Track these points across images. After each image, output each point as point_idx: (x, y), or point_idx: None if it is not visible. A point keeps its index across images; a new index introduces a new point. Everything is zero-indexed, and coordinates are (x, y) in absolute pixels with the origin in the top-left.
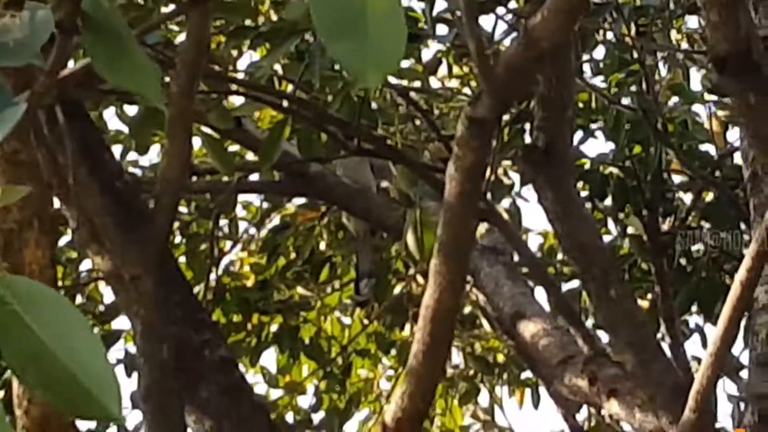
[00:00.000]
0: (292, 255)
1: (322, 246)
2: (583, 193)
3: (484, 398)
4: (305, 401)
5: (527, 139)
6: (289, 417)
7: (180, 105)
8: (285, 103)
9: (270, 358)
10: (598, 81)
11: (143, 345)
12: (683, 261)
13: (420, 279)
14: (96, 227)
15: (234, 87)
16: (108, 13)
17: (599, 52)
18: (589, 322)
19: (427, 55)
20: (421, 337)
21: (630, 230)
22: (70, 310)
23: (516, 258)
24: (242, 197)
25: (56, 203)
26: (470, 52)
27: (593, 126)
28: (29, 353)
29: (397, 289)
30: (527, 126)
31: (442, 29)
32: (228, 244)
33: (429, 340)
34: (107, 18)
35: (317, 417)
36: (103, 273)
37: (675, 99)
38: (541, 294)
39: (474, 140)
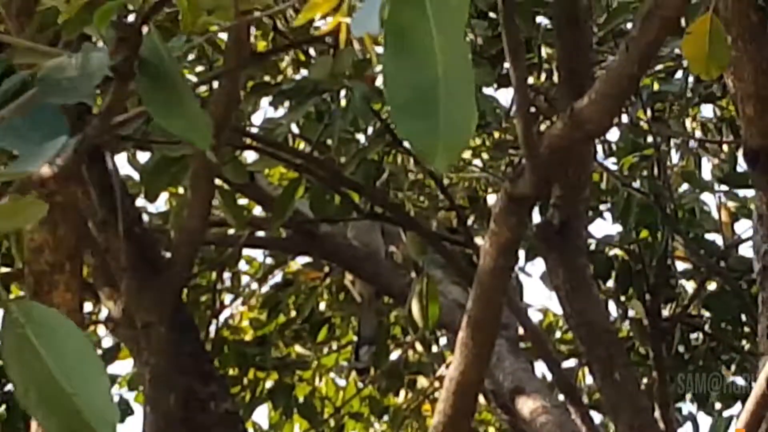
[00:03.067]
0: (293, 313)
1: (322, 306)
2: None
3: None
4: None
5: (536, 217)
6: None
7: (205, 158)
8: (299, 162)
9: (263, 414)
10: (611, 163)
11: (151, 393)
12: (681, 348)
13: (418, 346)
14: (111, 271)
15: (249, 141)
16: (165, 60)
17: (613, 134)
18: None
19: None
20: (443, 409)
21: (631, 313)
22: (81, 340)
23: (520, 332)
24: (246, 251)
25: None
26: (518, 130)
27: (602, 207)
28: (34, 377)
29: (394, 355)
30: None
31: None
32: (228, 297)
33: (451, 413)
34: (164, 65)
35: None
36: (112, 318)
37: (685, 186)
38: (540, 369)
39: (512, 217)
